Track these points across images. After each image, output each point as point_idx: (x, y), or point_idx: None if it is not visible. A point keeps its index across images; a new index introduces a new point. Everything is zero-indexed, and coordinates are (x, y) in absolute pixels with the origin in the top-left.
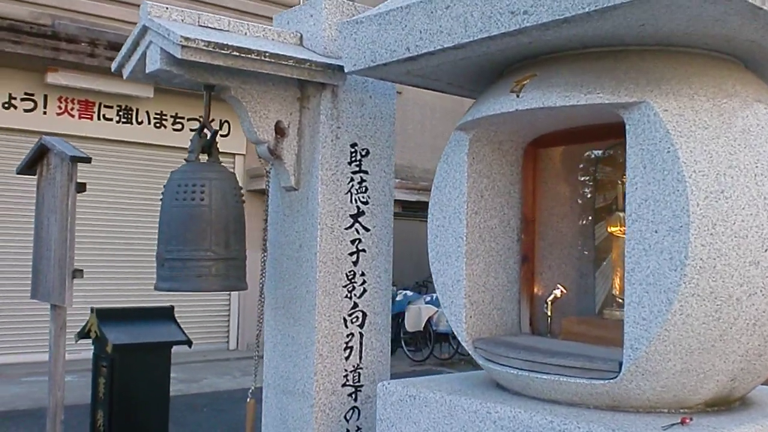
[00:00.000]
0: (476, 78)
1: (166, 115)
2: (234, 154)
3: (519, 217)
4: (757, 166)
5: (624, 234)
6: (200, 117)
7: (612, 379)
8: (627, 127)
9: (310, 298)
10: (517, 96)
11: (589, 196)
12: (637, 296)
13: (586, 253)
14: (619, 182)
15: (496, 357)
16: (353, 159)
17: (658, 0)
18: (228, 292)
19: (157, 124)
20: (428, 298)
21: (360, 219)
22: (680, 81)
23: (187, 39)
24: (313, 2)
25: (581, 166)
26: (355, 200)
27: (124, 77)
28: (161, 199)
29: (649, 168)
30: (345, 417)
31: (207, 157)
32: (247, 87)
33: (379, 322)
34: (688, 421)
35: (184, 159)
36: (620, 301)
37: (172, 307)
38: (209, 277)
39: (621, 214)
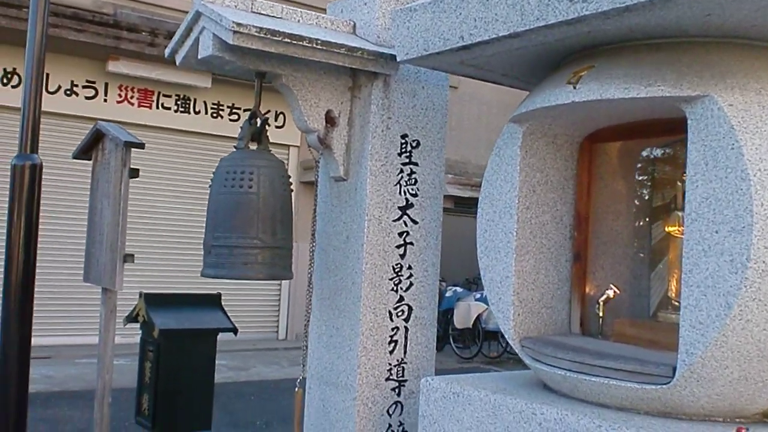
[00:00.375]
0: (531, 69)
1: (222, 105)
2: (288, 146)
3: (572, 214)
4: None
5: (682, 234)
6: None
7: (665, 384)
8: (689, 121)
9: (356, 290)
10: (574, 87)
11: (646, 194)
12: (694, 299)
13: (641, 254)
14: (679, 181)
15: (543, 357)
16: (403, 150)
17: None
18: (278, 282)
19: (214, 114)
20: (478, 295)
21: (408, 211)
22: (746, 75)
23: (239, 25)
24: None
25: (639, 163)
26: (404, 192)
27: (177, 63)
28: (210, 187)
29: (712, 165)
30: (388, 411)
31: (257, 145)
32: (299, 75)
33: (425, 317)
34: (744, 431)
35: (234, 147)
36: (676, 304)
37: (220, 295)
38: (255, 265)
39: (680, 214)
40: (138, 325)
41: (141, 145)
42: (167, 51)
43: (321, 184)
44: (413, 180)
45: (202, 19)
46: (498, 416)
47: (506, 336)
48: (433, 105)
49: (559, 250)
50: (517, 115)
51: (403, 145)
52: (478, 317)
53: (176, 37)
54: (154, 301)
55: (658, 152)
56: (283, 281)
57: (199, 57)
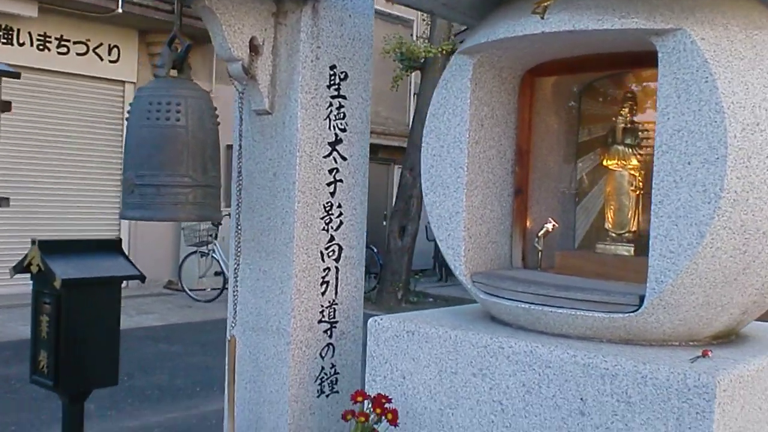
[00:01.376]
0: (476, 3)
1: (50, 36)
2: (124, 82)
3: (513, 149)
4: (759, 100)
5: (621, 167)
6: (171, 31)
7: (632, 312)
8: (660, 55)
9: (287, 230)
10: (542, 18)
11: (582, 129)
12: (664, 229)
13: (577, 188)
14: (618, 116)
15: (501, 291)
16: (332, 82)
17: None
18: (119, 222)
19: (41, 47)
20: None
21: (338, 147)
22: (713, 9)
23: None
24: None
25: (568, 98)
26: (334, 127)
27: None
28: (127, 119)
29: (684, 98)
30: (320, 354)
31: (178, 73)
32: None
33: (354, 256)
34: (709, 353)
35: (153, 74)
36: (614, 235)
37: (120, 240)
38: (186, 205)
39: (620, 148)
40: (29, 276)
41: (15, 75)
42: None
43: (242, 119)
44: (342, 114)
45: None
46: (460, 352)
47: (456, 272)
48: (359, 35)
49: (503, 185)
50: (468, 47)
51: (332, 77)
52: None
53: None
54: (49, 248)
55: (599, 87)
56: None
57: None
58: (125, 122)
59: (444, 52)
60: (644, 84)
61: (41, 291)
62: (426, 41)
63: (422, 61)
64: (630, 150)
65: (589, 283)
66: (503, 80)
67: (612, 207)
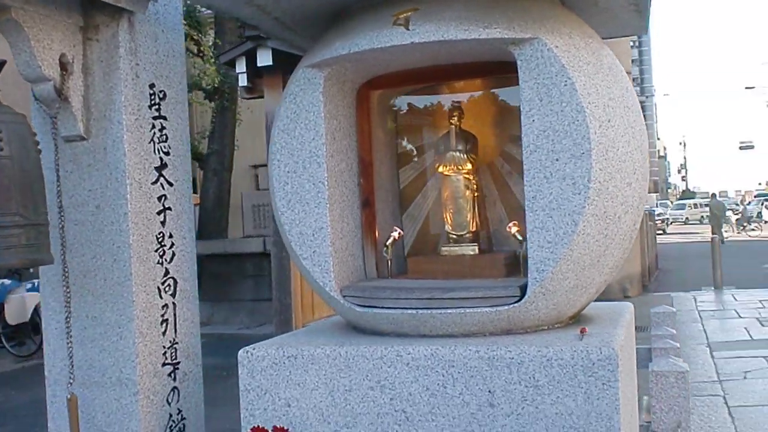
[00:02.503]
0: (311, 18)
1: None
2: None
3: (357, 161)
4: (623, 99)
5: (456, 173)
6: None
7: (515, 303)
8: (519, 62)
9: (121, 268)
10: (406, 29)
11: (415, 139)
12: (540, 221)
13: (414, 195)
14: (450, 124)
15: (381, 301)
16: (153, 102)
17: None
18: None
19: None
20: (29, 285)
21: (164, 172)
22: (557, 21)
23: None
24: None
25: (390, 109)
26: (158, 150)
27: None
28: None
29: (546, 101)
30: (167, 400)
31: None
32: (30, 9)
33: (188, 289)
34: (586, 330)
35: None
36: (455, 237)
37: None
38: (19, 248)
39: (455, 154)
40: None
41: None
42: None
43: (57, 147)
44: (164, 136)
45: None
46: (353, 367)
47: (324, 288)
48: (173, 51)
49: (353, 198)
50: (319, 61)
51: (152, 96)
52: (36, 309)
53: None
54: None
55: (430, 98)
56: None
57: None
58: None
59: None
60: (469, 94)
61: None
62: None
63: None
64: (464, 156)
65: (462, 283)
66: (345, 93)
67: (450, 210)
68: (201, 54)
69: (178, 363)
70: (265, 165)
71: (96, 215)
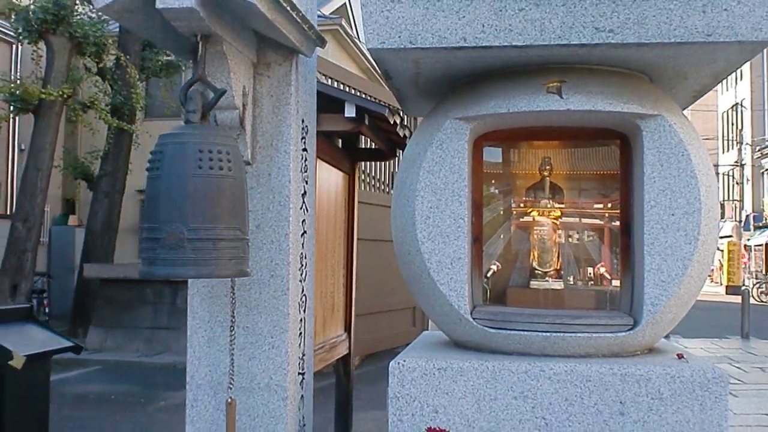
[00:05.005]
0: (441, 86)
1: None
2: None
3: (470, 202)
4: (709, 170)
5: (544, 217)
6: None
7: (629, 331)
8: (644, 132)
9: (278, 283)
10: (560, 97)
11: (514, 186)
12: (656, 264)
13: (509, 235)
14: (542, 175)
15: (512, 324)
16: (302, 136)
17: (719, 49)
18: None
19: None
20: None
21: (305, 199)
22: (670, 101)
23: None
24: None
25: (513, 161)
26: (304, 179)
27: (97, 6)
28: (157, 166)
29: (666, 166)
30: (299, 407)
31: (200, 120)
32: (233, 45)
33: (311, 307)
34: (683, 356)
35: (184, 120)
36: (539, 272)
37: (32, 307)
38: (235, 260)
39: (546, 201)
40: None
41: None
42: None
43: None
44: (306, 167)
45: None
46: (499, 380)
47: (458, 311)
48: (312, 90)
49: (470, 234)
50: (470, 116)
51: (303, 130)
52: None
53: None
54: None
55: (537, 153)
56: None
57: (161, 5)
58: (154, 169)
59: (64, 95)
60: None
61: None
62: (40, 81)
63: (36, 103)
64: (552, 204)
65: (583, 313)
66: (469, 143)
67: (538, 250)
68: (102, 73)
69: (304, 373)
70: None
71: (255, 234)
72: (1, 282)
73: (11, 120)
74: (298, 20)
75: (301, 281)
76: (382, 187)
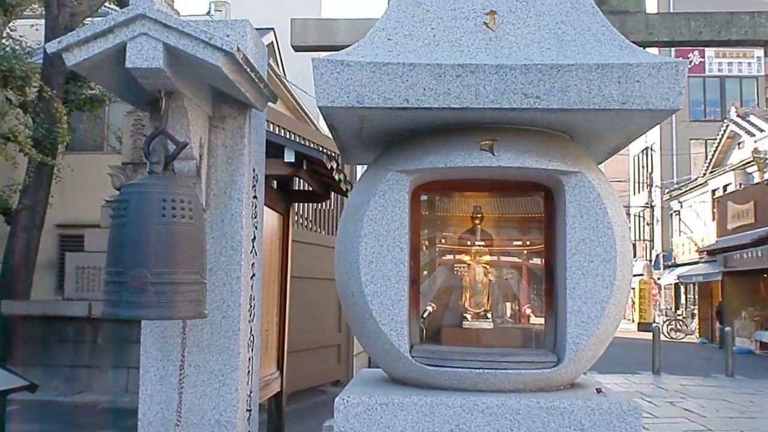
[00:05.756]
0: (381, 139)
1: None
2: None
3: (408, 247)
4: (624, 221)
5: (476, 262)
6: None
7: (553, 367)
8: (566, 187)
9: (230, 324)
10: (492, 154)
11: (446, 234)
12: (577, 307)
13: (443, 279)
14: (476, 221)
15: (448, 362)
16: (253, 184)
17: (633, 115)
18: None
19: None
20: None
21: (254, 243)
22: (586, 158)
23: (238, 50)
24: (234, 24)
25: (446, 210)
26: (254, 225)
27: (68, 63)
28: (125, 215)
29: (585, 218)
30: None
31: (162, 170)
32: (193, 100)
33: (257, 345)
34: (602, 390)
35: (148, 171)
36: (471, 313)
37: None
38: (194, 303)
39: (477, 247)
40: None
41: None
42: (51, 45)
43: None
44: (255, 213)
45: (141, 25)
46: (437, 414)
47: (398, 350)
48: (261, 140)
49: (409, 277)
50: (410, 169)
51: (254, 179)
52: None
53: (80, 35)
54: None
55: (468, 201)
56: None
57: (130, 65)
58: (119, 216)
59: None
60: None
61: None
62: None
63: None
64: (483, 248)
65: (509, 351)
66: (409, 194)
67: (469, 292)
68: (23, 106)
69: (251, 409)
70: (81, 225)
71: (209, 277)
72: None
73: None
74: (256, 80)
75: (249, 322)
76: (310, 226)
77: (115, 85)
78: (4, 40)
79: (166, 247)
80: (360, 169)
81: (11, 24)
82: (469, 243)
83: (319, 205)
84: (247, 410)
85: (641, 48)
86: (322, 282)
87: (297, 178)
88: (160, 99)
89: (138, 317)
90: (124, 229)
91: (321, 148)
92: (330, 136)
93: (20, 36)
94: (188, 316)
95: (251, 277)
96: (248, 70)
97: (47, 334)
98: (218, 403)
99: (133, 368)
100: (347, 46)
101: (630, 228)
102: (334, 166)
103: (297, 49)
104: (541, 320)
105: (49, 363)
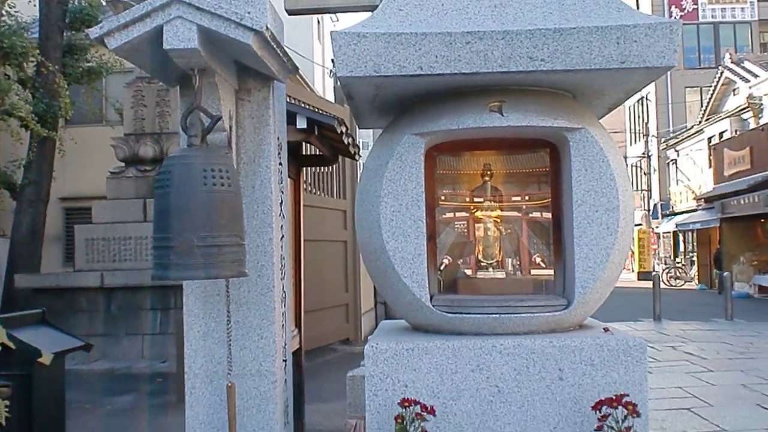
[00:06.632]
0: (395, 105)
1: None
2: None
3: (425, 204)
4: (625, 173)
5: (488, 217)
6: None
7: (563, 310)
8: (571, 143)
9: (265, 282)
10: (501, 115)
11: (462, 188)
12: (584, 253)
13: (456, 233)
14: (486, 177)
15: (466, 308)
16: (279, 151)
17: (631, 73)
18: None
19: None
20: None
21: (282, 207)
22: (591, 116)
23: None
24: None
25: (459, 167)
26: (281, 190)
27: (109, 47)
28: (169, 185)
29: (589, 171)
30: (284, 389)
31: (200, 143)
32: (222, 75)
33: (287, 303)
34: (609, 329)
35: (187, 144)
36: (484, 264)
37: (44, 311)
38: (239, 263)
39: (489, 203)
40: None
41: None
42: (95, 31)
43: None
44: (281, 179)
45: (176, 8)
46: (458, 356)
47: (420, 300)
48: (283, 110)
49: (426, 233)
50: (425, 131)
51: (279, 147)
52: None
53: (120, 20)
54: (13, 324)
55: (479, 159)
56: None
57: (168, 47)
58: (163, 186)
59: None
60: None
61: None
62: None
63: None
64: (494, 204)
65: (524, 296)
66: (423, 155)
67: (482, 244)
68: (22, 81)
69: (286, 360)
70: (86, 197)
71: None
72: None
73: None
74: (280, 54)
75: (281, 279)
76: (310, 189)
77: (150, 64)
78: (4, 18)
79: (208, 213)
80: (359, 136)
81: (9, 0)
82: (480, 199)
83: (319, 168)
84: (283, 360)
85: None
86: (328, 244)
87: (305, 144)
88: (193, 76)
89: (187, 278)
90: (169, 198)
91: (331, 115)
92: (327, 98)
93: (16, 11)
94: (231, 275)
95: (281, 239)
96: (274, 46)
97: (61, 305)
98: (257, 354)
99: (148, 335)
100: (340, 10)
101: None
102: (344, 131)
103: (291, 12)
104: (550, 270)
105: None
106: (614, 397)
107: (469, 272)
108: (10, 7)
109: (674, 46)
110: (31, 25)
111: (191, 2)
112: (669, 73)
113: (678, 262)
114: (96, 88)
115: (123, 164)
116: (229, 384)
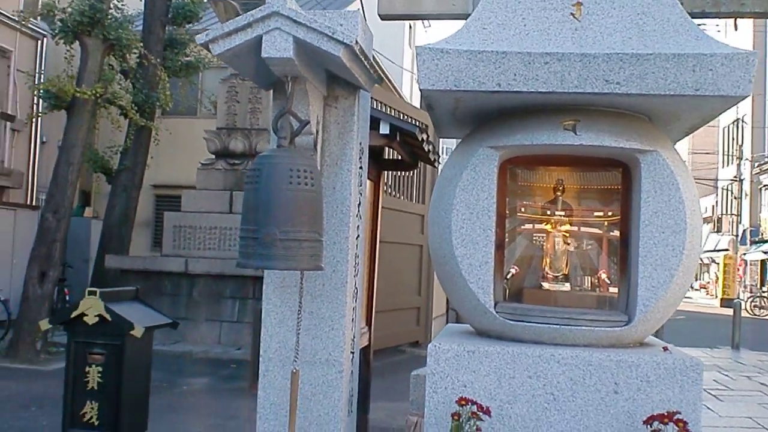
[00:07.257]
0: (473, 118)
1: None
2: None
3: (495, 214)
4: (695, 196)
5: (556, 230)
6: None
7: (624, 326)
8: (642, 164)
9: (339, 276)
10: (575, 134)
11: (530, 201)
12: (648, 273)
13: (526, 244)
14: (557, 191)
15: (527, 318)
16: (360, 156)
17: (705, 100)
18: None
19: None
20: None
21: (360, 208)
22: (665, 139)
23: (356, 42)
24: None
25: (532, 181)
26: (360, 191)
27: (214, 53)
28: (258, 181)
29: (659, 193)
30: (350, 379)
31: (288, 144)
32: (313, 82)
33: (359, 297)
34: (668, 348)
35: (277, 145)
36: (551, 277)
37: (138, 289)
38: (316, 257)
39: (558, 216)
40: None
41: None
42: (202, 38)
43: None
44: (361, 182)
45: (275, 19)
46: (518, 362)
47: (484, 306)
48: (366, 116)
49: (495, 242)
50: (500, 145)
51: (360, 152)
52: None
53: (224, 29)
54: (107, 298)
55: (551, 174)
56: None
57: (266, 55)
58: (253, 182)
59: (96, 95)
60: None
61: (88, 342)
62: (71, 79)
63: (69, 100)
64: (564, 218)
65: (586, 310)
66: (497, 167)
67: (550, 257)
68: (125, 72)
69: (354, 352)
70: (176, 186)
71: None
72: (31, 269)
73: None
74: (367, 66)
75: (354, 276)
76: (391, 192)
77: (248, 69)
78: (111, 11)
79: (292, 210)
80: (442, 142)
81: None
82: (550, 212)
83: (400, 172)
84: (351, 352)
85: (717, 41)
86: (403, 246)
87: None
88: (286, 83)
89: (268, 267)
90: (257, 194)
91: (410, 119)
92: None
93: (123, 5)
94: (309, 267)
95: (356, 238)
96: (362, 58)
97: (146, 287)
98: (327, 344)
99: (226, 322)
100: (433, 17)
101: (717, 202)
102: (425, 138)
103: (384, 17)
104: (614, 288)
105: None
106: (665, 413)
107: (534, 283)
108: (119, 1)
109: (750, 77)
110: (136, 18)
111: (289, 15)
112: (767, 95)
113: (764, 292)
114: (192, 81)
115: (213, 156)
116: (294, 370)
